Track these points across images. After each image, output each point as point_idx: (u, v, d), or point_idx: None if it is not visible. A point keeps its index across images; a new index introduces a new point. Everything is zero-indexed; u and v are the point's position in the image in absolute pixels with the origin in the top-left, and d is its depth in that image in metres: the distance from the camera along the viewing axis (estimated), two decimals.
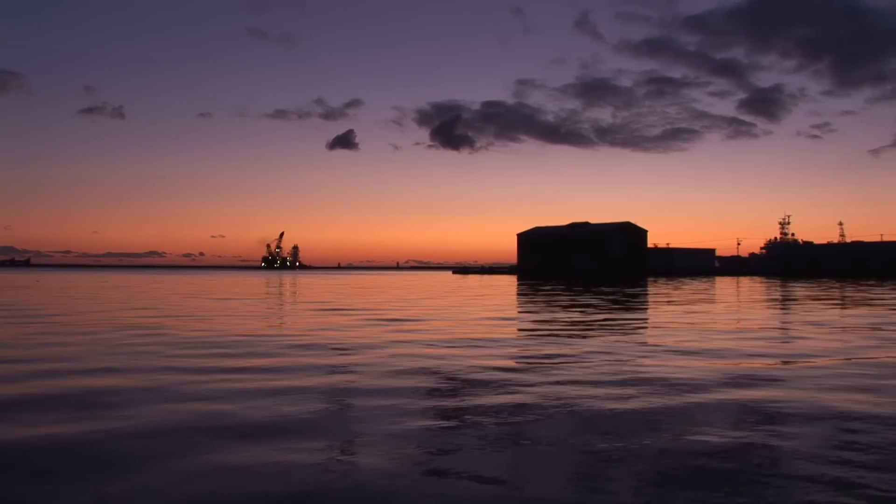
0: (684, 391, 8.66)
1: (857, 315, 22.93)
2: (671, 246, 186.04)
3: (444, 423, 6.91)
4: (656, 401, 8.03)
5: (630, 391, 8.66)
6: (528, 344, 14.51)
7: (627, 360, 11.52)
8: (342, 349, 13.17)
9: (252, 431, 6.59)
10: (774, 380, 9.57)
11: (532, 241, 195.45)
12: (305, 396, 8.29)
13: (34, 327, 17.74)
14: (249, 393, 8.54)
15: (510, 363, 11.30)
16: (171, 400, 8.08)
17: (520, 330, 18.41)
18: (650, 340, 14.91)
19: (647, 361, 11.44)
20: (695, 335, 15.99)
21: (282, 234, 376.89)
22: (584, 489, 4.98)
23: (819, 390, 8.72)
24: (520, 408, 7.64)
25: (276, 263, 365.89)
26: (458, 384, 9.21)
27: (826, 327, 18.22)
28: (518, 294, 41.77)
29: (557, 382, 9.26)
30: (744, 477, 5.21)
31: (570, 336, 15.82)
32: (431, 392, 8.63)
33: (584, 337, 15.58)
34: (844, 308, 26.38)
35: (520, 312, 25.34)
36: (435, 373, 10.19)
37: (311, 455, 5.79)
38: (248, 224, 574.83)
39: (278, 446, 6.06)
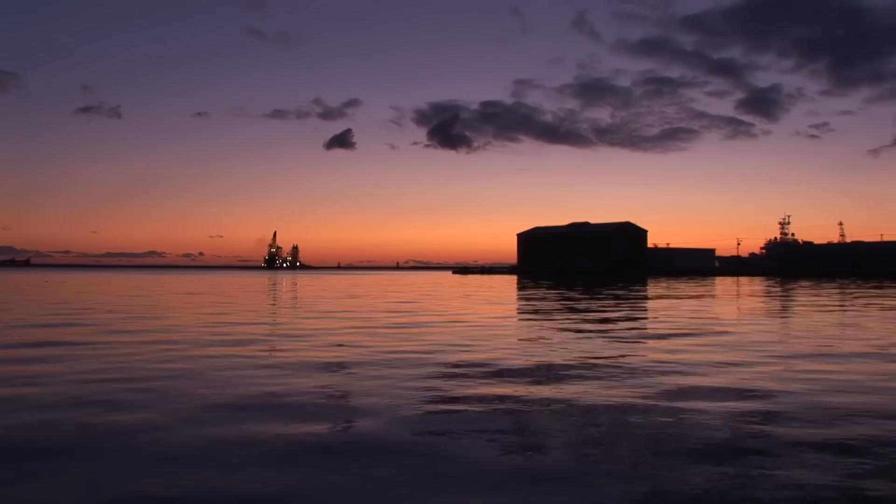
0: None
1: None
2: (671, 246, 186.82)
3: None
4: None
5: None
6: None
7: None
8: None
9: None
10: None
11: (532, 241, 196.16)
12: None
13: None
14: None
15: None
16: None
17: None
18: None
19: None
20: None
21: (275, 234, 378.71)
22: None
23: None
24: None
25: (277, 263, 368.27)
26: None
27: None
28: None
29: None
30: None
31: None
32: None
33: None
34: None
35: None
36: None
37: None
38: (246, 224, 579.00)
39: None
